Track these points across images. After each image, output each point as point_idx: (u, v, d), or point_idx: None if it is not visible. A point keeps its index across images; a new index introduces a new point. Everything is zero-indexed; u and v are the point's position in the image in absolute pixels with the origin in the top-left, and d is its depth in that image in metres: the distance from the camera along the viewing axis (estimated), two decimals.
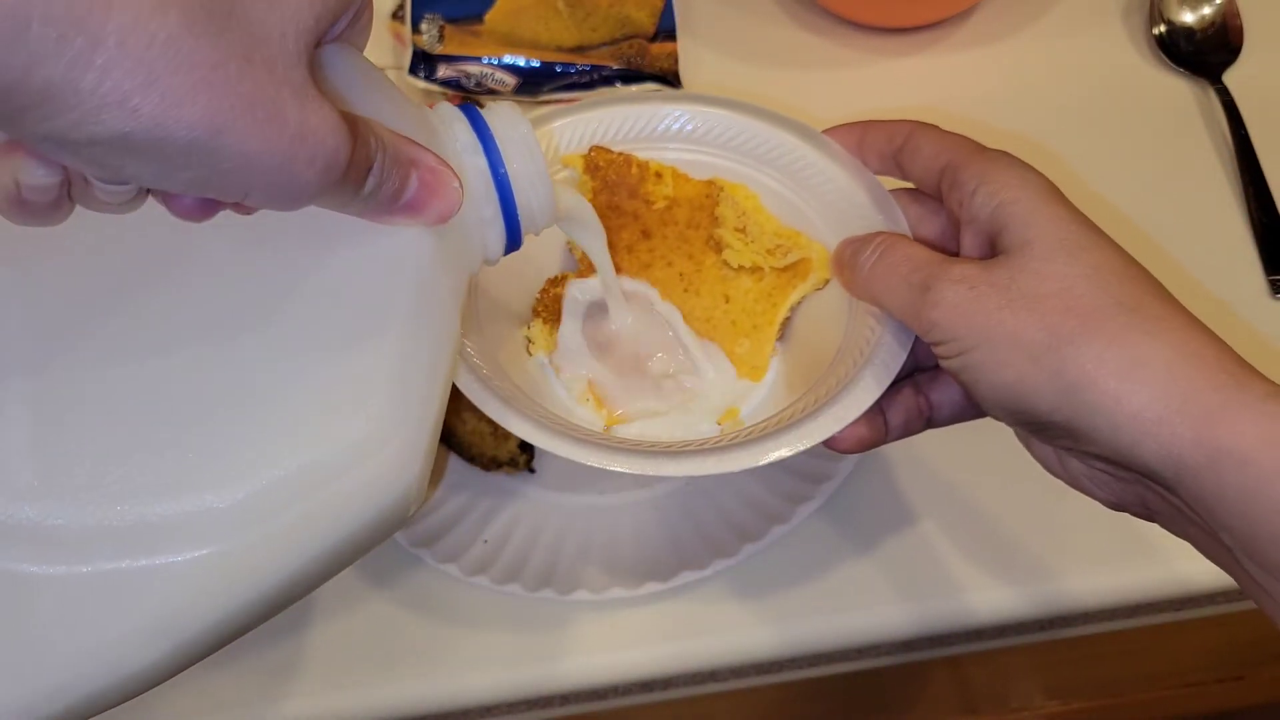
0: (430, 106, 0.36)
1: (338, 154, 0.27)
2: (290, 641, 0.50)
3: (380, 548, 0.51)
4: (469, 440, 0.53)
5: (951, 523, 0.51)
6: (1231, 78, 0.64)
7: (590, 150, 0.46)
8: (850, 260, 0.41)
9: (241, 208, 0.29)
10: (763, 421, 0.41)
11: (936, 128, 0.41)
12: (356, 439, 0.31)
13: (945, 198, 0.40)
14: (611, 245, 0.45)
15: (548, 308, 0.46)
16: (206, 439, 0.30)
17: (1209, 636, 0.69)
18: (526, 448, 0.53)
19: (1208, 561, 0.36)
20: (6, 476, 0.29)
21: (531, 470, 0.53)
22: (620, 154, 0.46)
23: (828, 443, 0.39)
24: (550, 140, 0.47)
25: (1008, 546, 0.51)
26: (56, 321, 0.31)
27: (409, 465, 0.32)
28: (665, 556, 0.50)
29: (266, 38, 0.25)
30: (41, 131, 0.24)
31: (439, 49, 0.64)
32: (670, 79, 0.65)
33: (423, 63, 0.64)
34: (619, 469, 0.38)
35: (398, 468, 0.32)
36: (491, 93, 0.65)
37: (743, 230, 0.46)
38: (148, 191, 0.28)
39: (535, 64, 0.64)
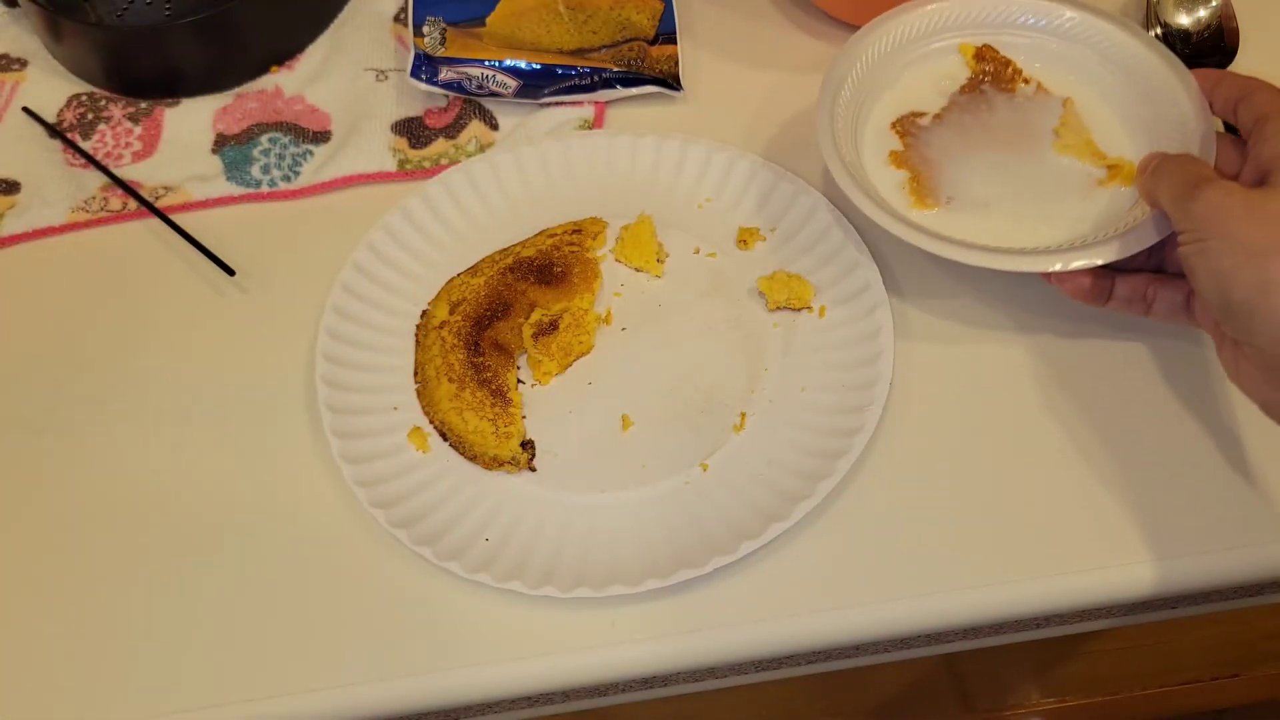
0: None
1: None
2: (289, 640, 0.50)
3: (381, 544, 0.51)
4: (470, 439, 0.54)
5: (954, 519, 0.52)
6: None
7: (982, 45, 0.60)
8: (1145, 163, 0.51)
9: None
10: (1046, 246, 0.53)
11: (1276, 89, 0.49)
12: None
13: (1249, 139, 0.48)
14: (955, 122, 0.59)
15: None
16: None
17: (1205, 634, 0.69)
18: (528, 446, 0.54)
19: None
20: None
21: (533, 469, 0.53)
22: (1004, 57, 0.60)
23: (1055, 279, 0.52)
24: (934, 18, 0.60)
25: (1006, 543, 0.51)
26: None
27: None
28: (664, 554, 0.50)
29: None
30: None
31: (441, 52, 0.65)
32: (670, 81, 0.65)
33: (425, 65, 0.65)
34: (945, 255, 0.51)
35: None
36: (493, 95, 0.65)
37: (1076, 134, 0.57)
38: None
39: (536, 67, 0.64)
